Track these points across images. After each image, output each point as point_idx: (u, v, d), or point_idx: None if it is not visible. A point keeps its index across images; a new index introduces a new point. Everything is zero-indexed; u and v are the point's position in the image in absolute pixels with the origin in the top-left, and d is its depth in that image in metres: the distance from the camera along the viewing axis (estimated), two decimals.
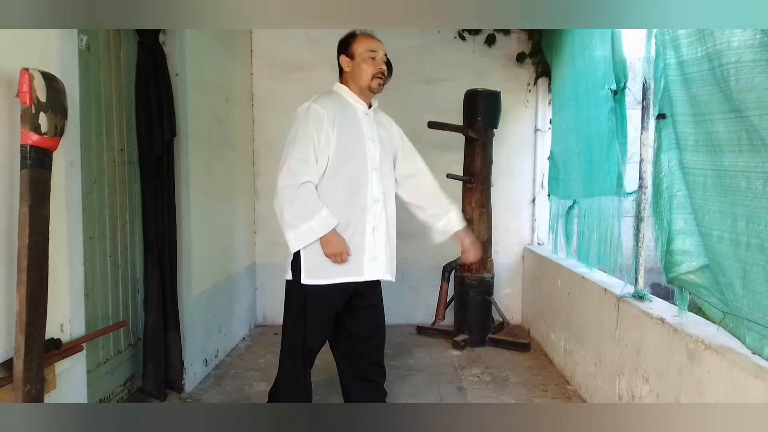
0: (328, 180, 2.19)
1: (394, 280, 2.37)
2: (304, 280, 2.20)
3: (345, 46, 2.30)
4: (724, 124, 1.61)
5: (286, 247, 2.21)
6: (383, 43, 2.29)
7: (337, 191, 2.19)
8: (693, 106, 1.78)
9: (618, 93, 2.57)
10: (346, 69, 2.29)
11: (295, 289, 2.24)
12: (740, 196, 1.55)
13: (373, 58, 2.25)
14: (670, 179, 1.95)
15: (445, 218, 2.41)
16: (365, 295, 2.34)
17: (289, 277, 2.26)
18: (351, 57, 2.27)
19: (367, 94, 2.30)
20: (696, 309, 2.04)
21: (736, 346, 1.67)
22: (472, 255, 2.44)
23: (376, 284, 2.38)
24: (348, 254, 2.18)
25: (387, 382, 2.47)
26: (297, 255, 2.20)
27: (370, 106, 2.33)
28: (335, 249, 2.15)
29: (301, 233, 2.13)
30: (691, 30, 1.75)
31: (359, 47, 2.26)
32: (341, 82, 2.33)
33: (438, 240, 2.45)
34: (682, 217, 1.92)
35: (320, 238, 2.14)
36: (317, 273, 2.19)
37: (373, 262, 2.26)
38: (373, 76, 2.25)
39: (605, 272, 2.89)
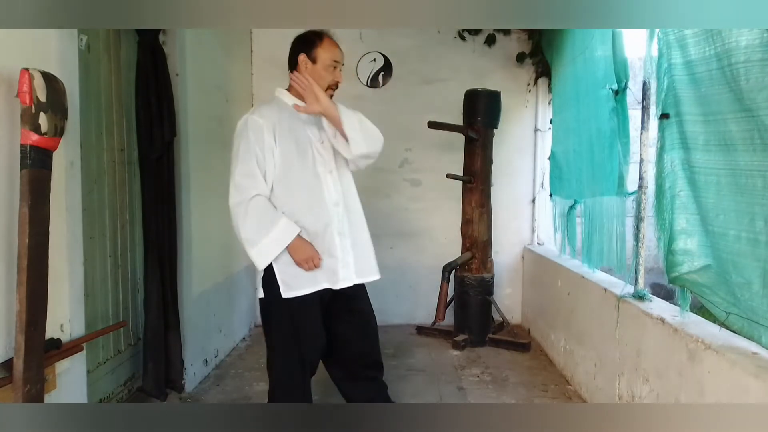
0: (280, 190, 2.08)
1: (379, 276, 2.28)
2: (285, 294, 2.08)
3: (309, 45, 2.14)
4: (736, 123, 1.60)
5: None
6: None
7: (293, 200, 2.10)
8: (702, 105, 1.78)
9: (619, 93, 2.57)
10: (302, 69, 2.13)
11: (274, 306, 2.12)
12: (757, 195, 1.54)
13: (335, 68, 2.14)
14: (672, 179, 1.94)
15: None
16: (349, 297, 2.24)
17: (262, 295, 2.14)
18: (313, 60, 2.13)
19: None
20: (696, 309, 2.04)
21: (737, 346, 1.67)
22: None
23: (359, 284, 2.28)
24: (320, 258, 2.10)
25: (387, 382, 2.46)
26: (269, 270, 2.09)
27: None
28: (304, 254, 2.06)
29: (264, 248, 2.03)
30: (698, 30, 1.74)
31: (324, 53, 2.13)
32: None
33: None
34: (684, 217, 1.92)
35: (287, 247, 2.05)
36: (296, 284, 2.09)
37: (345, 269, 2.17)
38: (328, 87, 2.14)
39: (607, 273, 2.89)
